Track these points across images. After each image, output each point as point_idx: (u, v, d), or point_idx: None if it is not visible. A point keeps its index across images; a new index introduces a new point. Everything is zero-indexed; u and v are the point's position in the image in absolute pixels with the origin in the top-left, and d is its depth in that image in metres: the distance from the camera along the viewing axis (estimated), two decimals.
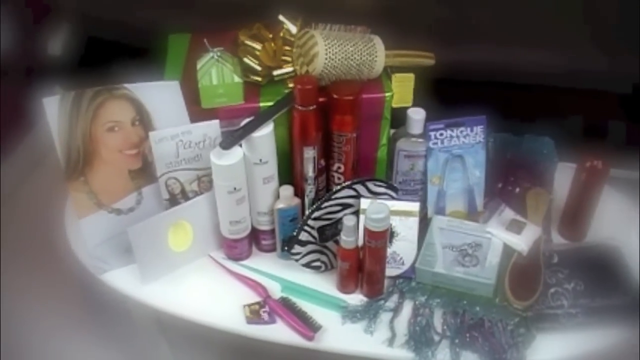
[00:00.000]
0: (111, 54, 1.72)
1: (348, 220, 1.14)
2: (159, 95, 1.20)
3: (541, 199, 1.31)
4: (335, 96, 1.15)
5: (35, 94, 1.37)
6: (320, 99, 1.16)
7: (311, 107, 1.15)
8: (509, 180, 1.35)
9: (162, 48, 1.35)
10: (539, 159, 1.39)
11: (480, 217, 1.29)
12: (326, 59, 1.15)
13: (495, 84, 1.49)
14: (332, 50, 1.15)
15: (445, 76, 1.35)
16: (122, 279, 1.26)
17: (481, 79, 1.48)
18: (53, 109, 1.17)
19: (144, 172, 1.24)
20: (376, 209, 1.12)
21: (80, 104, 1.18)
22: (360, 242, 1.17)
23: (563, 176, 1.33)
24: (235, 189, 1.17)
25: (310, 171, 1.20)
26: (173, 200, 1.24)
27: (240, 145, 1.16)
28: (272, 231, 1.25)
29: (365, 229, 1.13)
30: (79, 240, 1.26)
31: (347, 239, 1.15)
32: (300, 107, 1.15)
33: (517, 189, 1.34)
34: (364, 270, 1.19)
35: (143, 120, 1.21)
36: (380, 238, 1.14)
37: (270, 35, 1.24)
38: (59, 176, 1.21)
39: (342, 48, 1.16)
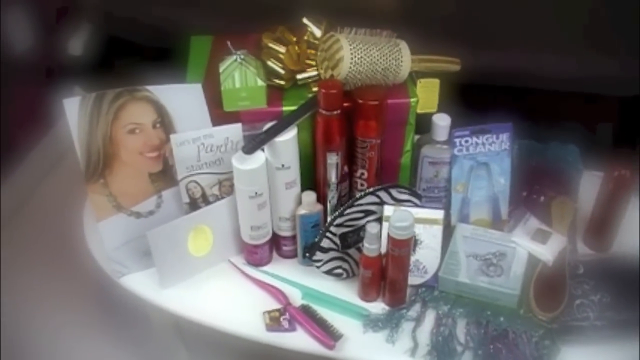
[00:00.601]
0: (132, 55, 1.69)
1: (371, 228, 1.10)
2: (181, 98, 1.17)
3: (566, 208, 1.27)
4: (360, 101, 1.12)
5: (55, 94, 1.35)
6: (345, 104, 1.12)
7: (335, 112, 1.11)
8: (533, 189, 1.31)
9: (184, 49, 1.32)
10: (564, 167, 1.35)
11: (505, 226, 1.25)
12: (351, 63, 1.11)
13: (520, 90, 1.44)
14: (358, 55, 1.12)
15: (470, 81, 1.31)
16: (140, 283, 1.23)
17: (506, 85, 1.43)
18: (73, 110, 1.14)
19: (165, 175, 1.21)
20: (400, 216, 1.08)
21: (101, 106, 1.15)
22: (383, 250, 1.13)
23: (588, 185, 1.29)
24: (256, 193, 1.13)
25: (333, 177, 1.17)
26: (193, 204, 1.21)
27: (263, 150, 1.12)
28: (293, 237, 1.22)
29: (389, 237, 1.10)
30: (98, 243, 1.23)
31: (370, 247, 1.12)
32: (324, 112, 1.11)
33: (542, 198, 1.30)
34: (387, 278, 1.15)
35: (164, 123, 1.18)
36: (404, 246, 1.10)
37: (294, 39, 1.21)
38: (78, 177, 1.18)
39: (368, 52, 1.12)
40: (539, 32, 1.35)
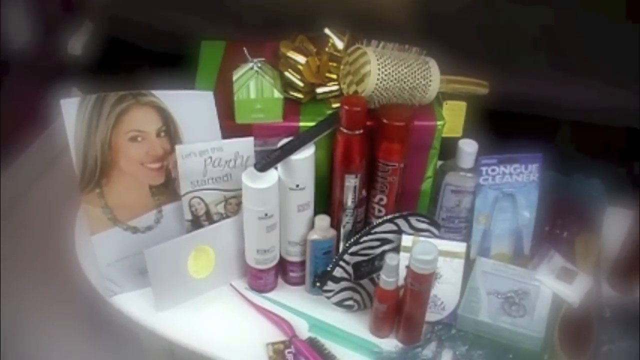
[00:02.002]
0: (134, 58, 1.55)
1: (390, 259, 0.98)
2: (190, 106, 1.04)
3: (591, 245, 1.15)
4: (384, 121, 0.99)
5: (51, 93, 1.21)
6: (367, 123, 1.00)
7: (357, 132, 0.98)
8: (556, 223, 1.19)
9: (194, 55, 1.18)
10: (588, 201, 1.23)
11: (529, 263, 1.13)
12: (378, 79, 0.99)
13: (543, 119, 1.32)
14: (385, 71, 0.99)
15: (493, 107, 1.19)
16: (134, 304, 1.09)
17: (528, 112, 1.31)
18: (71, 112, 1.01)
19: (166, 188, 1.07)
20: (424, 249, 0.95)
21: (101, 109, 1.02)
22: (400, 282, 1.00)
23: (611, 222, 1.18)
24: (266, 215, 1.00)
25: (349, 201, 1.04)
26: (196, 222, 1.07)
27: (276, 168, 0.99)
28: (302, 263, 1.09)
29: (409, 270, 0.97)
30: (90, 257, 1.09)
31: (388, 279, 0.99)
32: (345, 131, 0.99)
33: (565, 233, 1.18)
34: (402, 313, 1.02)
35: (169, 132, 1.05)
36: (426, 281, 0.97)
37: (314, 49, 1.08)
38: (72, 181, 1.04)
39: (396, 69, 1.00)
40: (567, 61, 1.24)
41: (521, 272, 1.11)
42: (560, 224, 1.19)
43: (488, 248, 1.13)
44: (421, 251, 0.95)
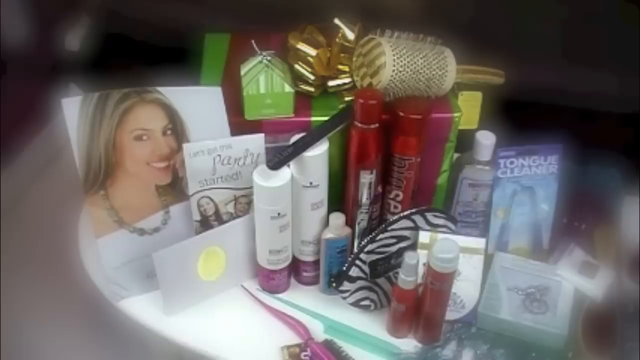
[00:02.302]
0: (134, 53, 1.49)
1: (410, 258, 0.93)
2: (197, 102, 0.99)
3: (610, 237, 1.10)
4: (401, 114, 0.95)
5: (49, 90, 1.16)
6: (382, 116, 0.95)
7: (373, 126, 0.94)
8: (574, 215, 1.14)
9: (196, 49, 1.13)
10: (605, 192, 1.18)
11: (549, 257, 1.09)
12: (394, 71, 0.94)
13: (556, 108, 1.28)
14: (401, 62, 0.94)
15: (508, 96, 1.14)
16: (142, 308, 1.04)
17: (539, 101, 1.27)
18: (73, 111, 0.96)
19: (173, 188, 1.03)
20: (445, 247, 0.91)
21: (104, 108, 0.97)
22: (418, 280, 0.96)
23: (631, 212, 1.13)
24: (279, 214, 0.96)
25: (364, 198, 0.99)
26: (205, 223, 1.03)
27: (289, 166, 0.94)
28: (315, 262, 1.04)
29: (429, 269, 0.93)
30: (95, 260, 1.05)
31: (407, 279, 0.95)
32: (360, 125, 0.94)
33: (583, 225, 1.14)
34: (421, 313, 0.98)
35: (176, 130, 1.00)
36: (447, 280, 0.93)
37: (325, 41, 1.03)
38: (73, 180, 0.99)
39: (412, 60, 0.95)
40: (584, 48, 1.19)
41: (541, 267, 1.07)
42: (578, 215, 1.15)
43: (506, 242, 1.09)
44: (442, 249, 0.91)
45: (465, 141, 1.06)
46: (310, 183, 0.95)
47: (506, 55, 1.07)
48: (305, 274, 1.06)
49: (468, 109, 1.04)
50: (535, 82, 1.17)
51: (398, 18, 1.07)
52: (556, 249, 1.10)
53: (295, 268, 1.06)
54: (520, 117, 1.13)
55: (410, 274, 0.94)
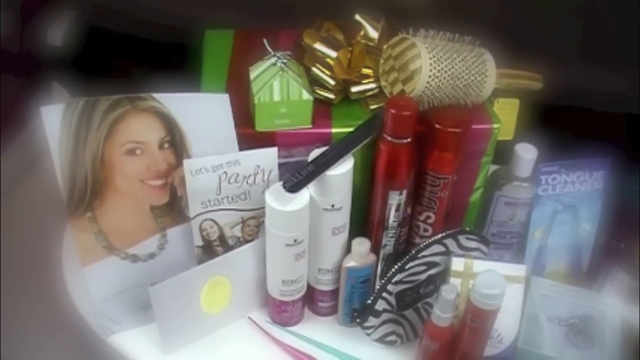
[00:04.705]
0: (123, 50, 1.30)
1: (447, 292, 0.77)
2: (199, 111, 0.81)
3: None
4: (437, 126, 0.78)
5: (30, 89, 0.97)
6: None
7: (405, 140, 0.77)
8: (613, 234, 0.99)
9: (195, 47, 0.95)
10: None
11: (588, 281, 0.93)
12: (430, 76, 0.77)
13: (598, 116, 1.11)
14: (438, 66, 0.77)
15: (547, 103, 0.97)
16: (135, 344, 0.87)
17: (582, 108, 1.09)
18: (54, 120, 0.77)
19: (171, 209, 0.85)
20: (490, 280, 0.75)
21: (91, 117, 0.78)
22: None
23: None
24: (295, 241, 0.79)
25: (392, 220, 0.82)
26: (208, 248, 0.85)
27: (307, 187, 0.77)
28: (334, 291, 0.87)
29: (469, 305, 0.76)
30: (82, 290, 0.86)
31: (442, 315, 0.78)
32: (390, 139, 0.77)
33: (622, 245, 0.98)
34: (456, 351, 0.81)
35: (174, 143, 0.82)
36: (490, 318, 0.77)
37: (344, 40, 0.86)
38: (55, 193, 0.80)
39: (450, 64, 0.78)
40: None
41: (582, 293, 0.91)
42: (617, 234, 0.99)
43: (543, 266, 0.93)
44: (486, 283, 0.74)
45: (498, 153, 0.90)
46: (332, 206, 0.78)
47: (542, 56, 0.91)
48: (321, 304, 0.89)
49: (504, 118, 0.87)
50: (574, 86, 1.00)
51: (419, 13, 0.90)
52: (595, 272, 0.94)
53: (310, 297, 0.89)
54: (557, 125, 0.97)
55: (448, 310, 0.78)
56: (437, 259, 0.84)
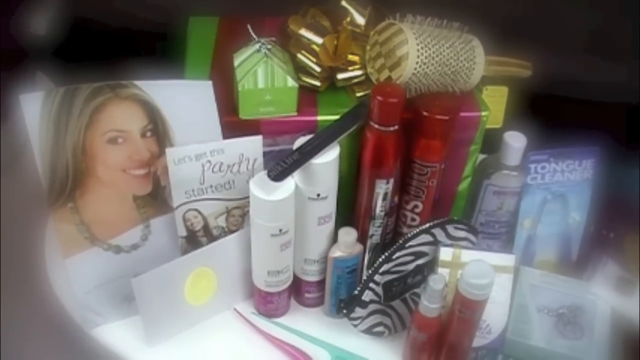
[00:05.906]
0: (107, 38, 1.28)
1: (435, 283, 0.76)
2: (182, 99, 0.79)
3: None
4: (425, 114, 0.76)
5: (11, 80, 0.95)
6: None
7: (392, 128, 0.75)
8: (602, 223, 0.98)
9: (178, 34, 0.94)
10: (632, 196, 1.02)
11: (578, 270, 0.92)
12: (417, 63, 0.76)
13: (590, 104, 1.09)
14: (426, 53, 0.76)
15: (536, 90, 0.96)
16: (119, 336, 0.85)
17: (571, 97, 1.08)
18: (34, 109, 0.75)
19: (154, 199, 0.83)
20: (478, 270, 0.74)
21: (71, 105, 0.77)
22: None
23: None
24: (281, 231, 0.77)
25: (379, 209, 0.81)
26: (192, 238, 0.84)
27: (292, 175, 0.76)
28: (320, 282, 0.86)
29: (458, 295, 0.75)
30: (64, 282, 0.85)
31: (431, 306, 0.77)
32: (377, 127, 0.75)
33: (612, 234, 0.98)
34: (445, 342, 0.81)
35: (157, 131, 0.80)
36: (478, 308, 0.76)
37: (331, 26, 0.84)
38: (37, 186, 0.79)
39: (438, 50, 0.77)
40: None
41: (572, 283, 0.90)
42: (607, 223, 0.98)
43: (532, 255, 0.92)
44: (474, 273, 0.73)
45: (487, 142, 0.89)
46: (318, 195, 0.77)
47: (531, 43, 0.90)
48: (308, 295, 0.88)
49: (493, 106, 0.86)
50: (564, 74, 0.99)
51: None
52: (585, 262, 0.93)
53: (296, 288, 0.88)
54: (546, 114, 0.95)
55: (435, 300, 0.77)
56: (425, 248, 0.83)
